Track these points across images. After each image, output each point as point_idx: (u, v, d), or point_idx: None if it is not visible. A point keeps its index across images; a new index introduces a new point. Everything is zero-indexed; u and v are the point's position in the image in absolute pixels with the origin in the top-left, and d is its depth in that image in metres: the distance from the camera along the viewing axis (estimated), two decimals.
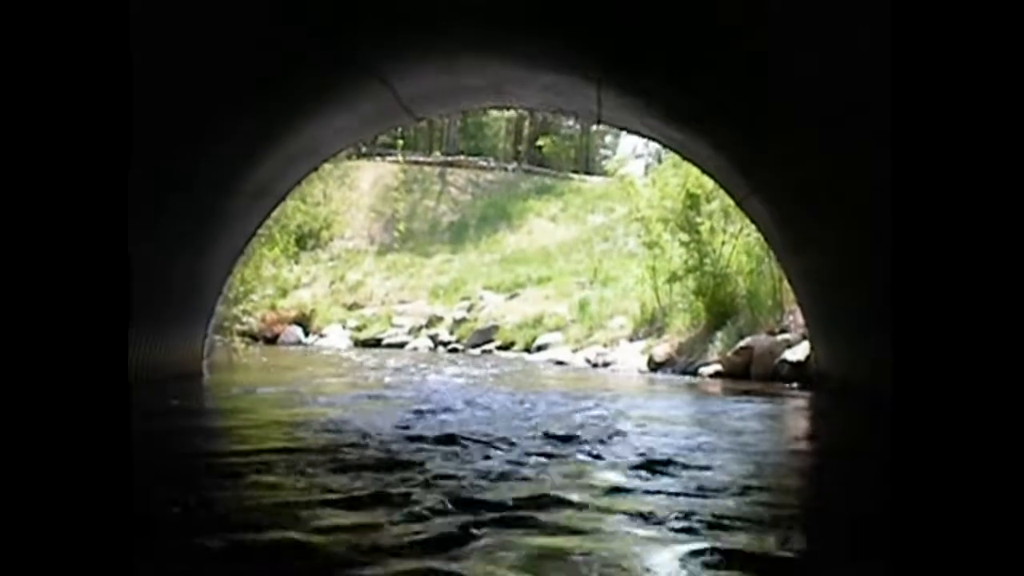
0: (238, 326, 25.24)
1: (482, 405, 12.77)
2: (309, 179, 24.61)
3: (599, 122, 17.21)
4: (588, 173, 49.34)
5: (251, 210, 16.52)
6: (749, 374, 18.14)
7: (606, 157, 57.35)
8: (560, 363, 23.67)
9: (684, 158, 17.11)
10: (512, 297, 32.61)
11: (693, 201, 21.17)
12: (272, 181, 16.02)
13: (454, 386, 16.32)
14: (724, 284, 21.03)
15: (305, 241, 40.32)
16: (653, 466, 6.96)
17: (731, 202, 20.73)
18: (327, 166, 43.72)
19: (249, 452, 7.49)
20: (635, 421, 11.13)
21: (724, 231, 21.38)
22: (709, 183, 20.62)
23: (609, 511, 5.25)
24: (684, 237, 21.61)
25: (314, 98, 13.52)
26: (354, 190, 43.93)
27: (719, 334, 19.98)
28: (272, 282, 37.14)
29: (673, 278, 22.48)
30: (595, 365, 22.72)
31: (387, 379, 17.70)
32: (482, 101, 17.64)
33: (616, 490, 5.95)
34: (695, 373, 19.40)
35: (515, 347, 28.37)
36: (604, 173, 51.64)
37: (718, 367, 19.08)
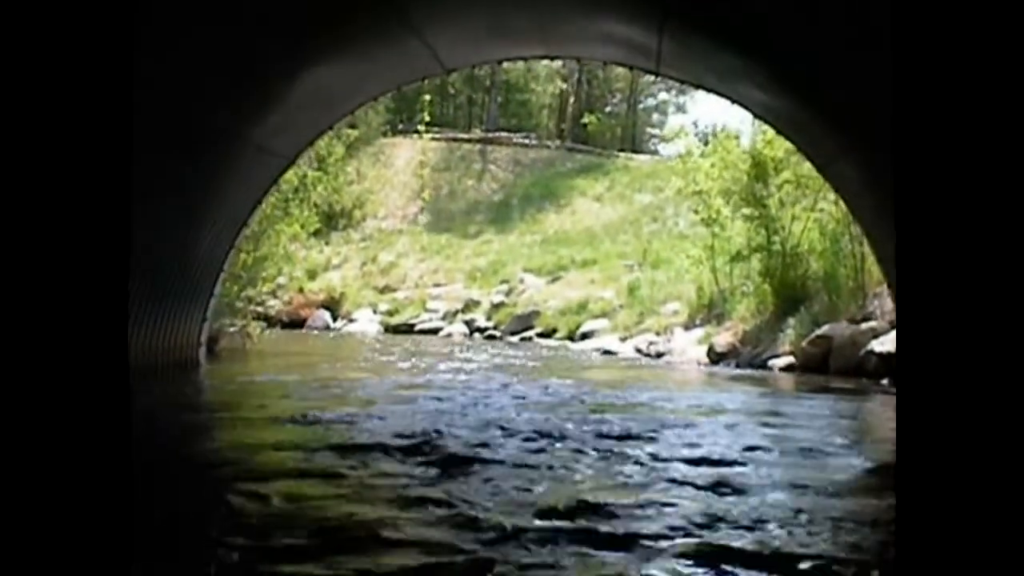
0: (255, 309, 23.26)
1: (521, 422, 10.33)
2: (336, 152, 22.45)
3: (657, 74, 14.87)
4: (635, 152, 46.83)
5: (254, 172, 14.34)
6: (827, 367, 15.72)
7: (653, 136, 55.10)
8: (608, 353, 21.30)
9: (756, 116, 14.67)
10: (554, 280, 30.26)
11: (760, 171, 18.71)
12: (276, 136, 13.83)
13: (486, 385, 14.02)
14: (794, 265, 18.58)
15: (336, 220, 38.33)
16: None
17: (804, 172, 18.38)
18: (357, 141, 42.08)
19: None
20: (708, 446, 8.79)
21: (794, 205, 18.91)
22: (780, 149, 18.20)
23: None
24: (749, 212, 19.15)
25: (318, 36, 11.26)
26: (389, 168, 41.75)
27: (791, 321, 17.53)
28: (296, 262, 35.27)
29: (736, 258, 20.04)
30: (647, 355, 20.33)
31: (414, 379, 15.33)
32: (525, 49, 15.27)
33: None
34: (763, 366, 16.98)
35: (557, 334, 26.02)
36: (652, 152, 49.85)
37: (790, 359, 16.65)
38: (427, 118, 34.23)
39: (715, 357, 18.29)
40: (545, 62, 49.76)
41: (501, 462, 6.82)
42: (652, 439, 8.23)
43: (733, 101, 14.02)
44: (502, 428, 8.83)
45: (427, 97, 37.69)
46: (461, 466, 6.59)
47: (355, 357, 20.50)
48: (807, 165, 18.41)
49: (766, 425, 9.85)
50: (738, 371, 17.09)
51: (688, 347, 19.36)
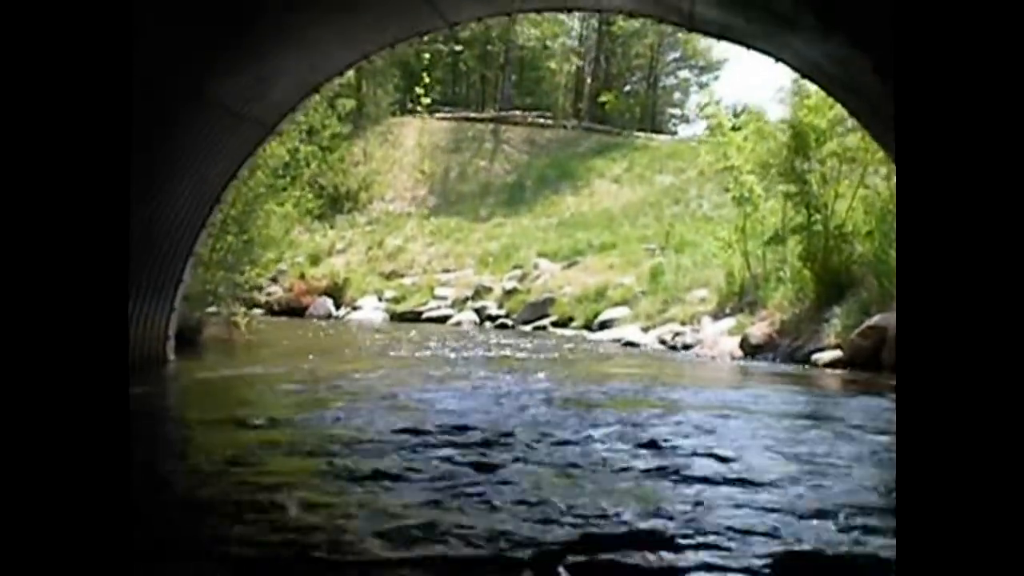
0: (249, 296, 21.59)
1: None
2: (331, 125, 20.69)
3: (691, 28, 12.98)
4: (655, 132, 44.88)
5: (226, 141, 12.55)
6: (880, 363, 13.86)
7: (674, 117, 53.13)
8: (629, 344, 19.45)
9: (804, 76, 12.78)
10: (571, 265, 28.38)
11: (801, 143, 16.81)
12: (252, 100, 12.08)
13: (495, 389, 12.24)
14: (838, 248, 16.69)
15: (341, 203, 36.58)
16: None
17: (850, 145, 16.52)
18: (365, 120, 40.43)
19: None
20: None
21: (839, 182, 17.01)
22: (824, 118, 16.33)
23: None
24: (788, 189, 17.26)
25: None
26: (397, 148, 39.89)
27: (837, 311, 15.65)
28: (296, 247, 33.58)
29: (774, 240, 18.16)
30: (673, 348, 18.50)
31: (406, 375, 13.57)
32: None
33: None
34: (806, 361, 15.14)
35: (574, 323, 24.17)
36: (672, 133, 47.93)
37: (836, 353, 14.80)
38: (424, 92, 32.32)
39: (750, 350, 16.44)
40: (561, 39, 47.97)
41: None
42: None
43: (777, 58, 12.15)
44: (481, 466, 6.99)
45: (426, 73, 35.90)
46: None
47: (351, 348, 18.79)
48: (853, 137, 16.64)
49: (840, 436, 8.06)
50: (777, 367, 15.25)
51: (719, 339, 17.50)
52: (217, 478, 5.83)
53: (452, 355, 16.47)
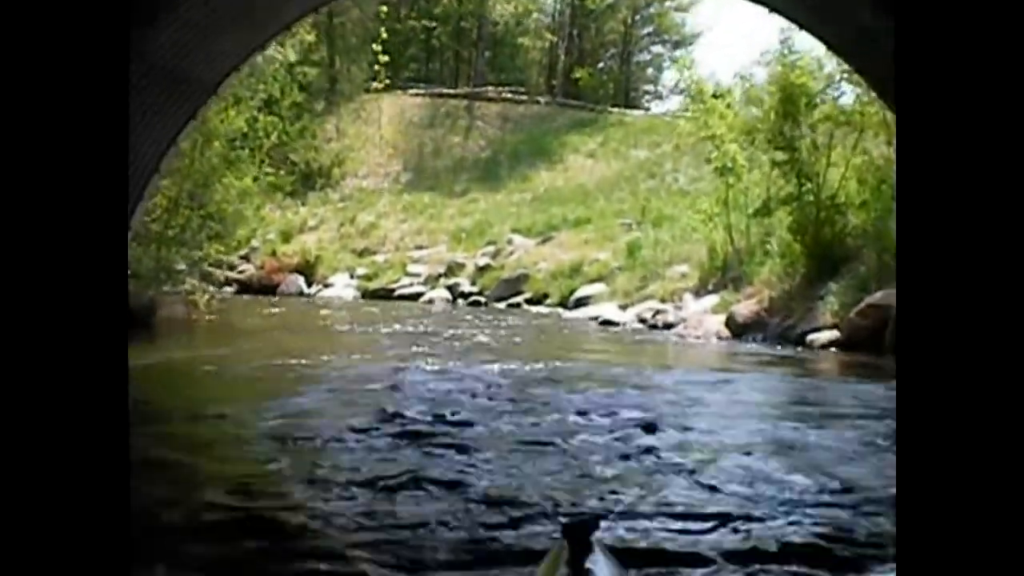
0: (218, 273, 19.81)
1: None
2: (291, 94, 18.54)
3: None
4: (629, 107, 42.85)
5: (160, 104, 10.59)
6: (882, 344, 12.12)
7: (647, 93, 51.14)
8: (607, 323, 17.63)
9: (802, 27, 10.93)
10: (545, 241, 26.43)
11: (790, 107, 14.97)
12: (188, 57, 10.15)
13: (446, 372, 10.46)
14: (831, 219, 14.90)
15: (314, 179, 34.59)
16: None
17: (845, 107, 14.73)
18: (339, 97, 38.33)
19: None
20: None
21: (831, 149, 15.21)
22: (817, 80, 14.52)
23: None
24: (777, 156, 15.45)
25: None
26: (370, 125, 37.74)
27: (832, 287, 13.88)
28: (268, 223, 31.59)
29: (761, 211, 16.34)
30: (654, 327, 16.69)
31: (364, 358, 11.80)
32: None
33: None
34: (799, 342, 13.41)
35: (549, 300, 22.25)
36: (646, 109, 45.87)
37: (834, 334, 13.08)
38: (382, 65, 30.20)
39: (737, 330, 14.68)
40: (535, 15, 45.91)
41: None
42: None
43: (771, 8, 10.31)
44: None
45: (383, 45, 33.88)
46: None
47: (317, 328, 17.04)
48: (846, 100, 14.90)
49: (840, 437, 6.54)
50: (767, 348, 13.50)
51: (703, 318, 15.68)
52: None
53: (419, 335, 14.69)
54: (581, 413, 7.81)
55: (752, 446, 6.66)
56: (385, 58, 29.50)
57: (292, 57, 19.74)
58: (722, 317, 15.22)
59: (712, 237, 18.54)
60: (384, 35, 41.76)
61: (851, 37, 9.94)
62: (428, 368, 10.64)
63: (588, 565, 2.32)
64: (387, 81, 31.35)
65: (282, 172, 34.57)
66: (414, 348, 12.78)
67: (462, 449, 6.31)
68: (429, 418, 7.45)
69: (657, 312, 17.08)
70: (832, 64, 15.10)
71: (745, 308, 14.92)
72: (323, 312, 20.80)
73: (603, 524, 3.30)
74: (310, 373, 10.25)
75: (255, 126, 16.35)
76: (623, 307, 18.76)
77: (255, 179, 16.56)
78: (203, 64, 10.78)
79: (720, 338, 14.58)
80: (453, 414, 7.61)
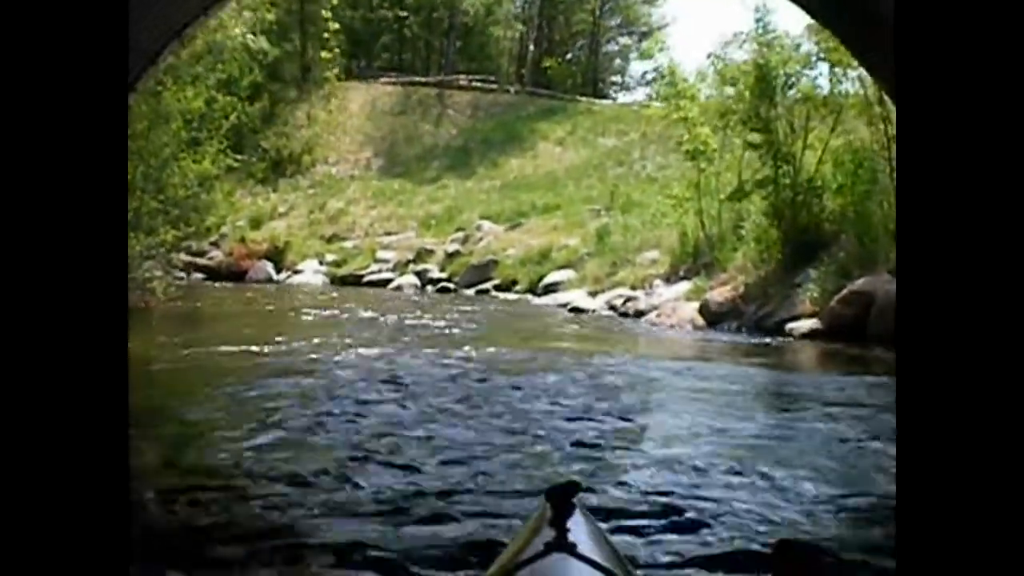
0: (181, 259, 18.59)
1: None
2: (251, 74, 17.23)
3: None
4: (597, 97, 41.72)
5: None
6: (865, 333, 11.07)
7: (615, 84, 50.03)
8: (577, 310, 16.52)
9: (814, 16, 9.80)
10: (514, 227, 25.30)
11: (765, 87, 13.89)
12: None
13: (404, 367, 9.28)
14: (808, 203, 13.85)
15: (284, 166, 33.34)
16: None
17: (822, 88, 13.68)
18: (310, 85, 37.05)
19: None
20: None
21: (808, 131, 14.15)
22: (793, 60, 13.46)
23: None
24: (753, 138, 14.36)
25: None
26: (342, 112, 36.41)
27: (812, 274, 12.82)
28: (238, 210, 30.31)
29: (736, 195, 15.25)
30: (624, 315, 15.60)
31: (330, 347, 10.62)
32: None
33: None
34: (779, 331, 12.35)
35: (517, 287, 21.14)
36: (613, 99, 44.68)
37: (814, 322, 12.02)
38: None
39: (711, 317, 13.61)
40: (506, 6, 44.70)
41: None
42: None
43: None
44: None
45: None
46: None
47: (280, 314, 15.90)
48: (822, 82, 13.85)
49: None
50: (744, 338, 12.45)
51: (677, 305, 14.58)
52: None
53: (381, 322, 13.58)
54: (533, 404, 6.80)
55: (711, 440, 5.74)
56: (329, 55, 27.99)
57: (263, 43, 18.35)
58: (696, 304, 14.15)
59: (683, 222, 17.48)
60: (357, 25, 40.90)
61: (863, 28, 8.86)
62: (372, 355, 9.50)
63: (569, 525, 2.26)
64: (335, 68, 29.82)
65: (253, 159, 33.42)
66: (369, 335, 11.69)
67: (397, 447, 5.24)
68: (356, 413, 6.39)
69: (628, 299, 15.99)
70: (809, 45, 14.07)
71: (719, 295, 13.86)
72: (288, 298, 19.63)
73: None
74: (250, 364, 9.11)
75: (213, 106, 15.08)
76: (592, 294, 17.67)
77: (213, 162, 15.25)
78: (142, 32, 9.62)
79: (696, 327, 13.50)
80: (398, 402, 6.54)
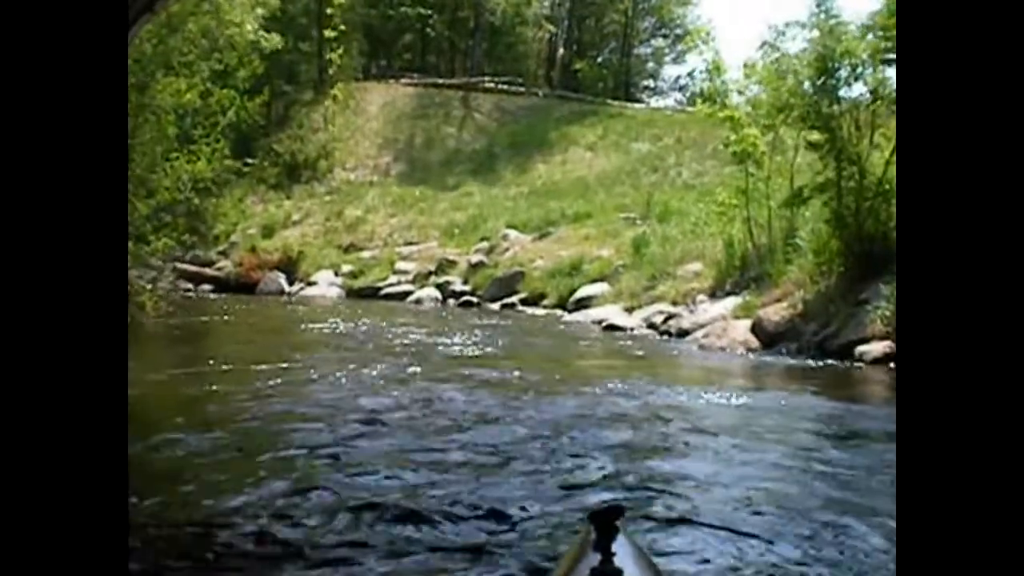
0: (187, 268, 17.42)
1: None
2: (252, 63, 15.91)
3: None
4: (629, 101, 40.38)
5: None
6: None
7: (647, 88, 48.66)
8: (612, 328, 15.17)
9: None
10: (542, 237, 23.93)
11: (829, 80, 12.53)
12: None
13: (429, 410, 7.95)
14: (876, 209, 12.46)
15: (299, 172, 32.17)
16: None
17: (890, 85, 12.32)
18: (328, 87, 35.92)
19: None
20: None
21: (875, 129, 12.77)
22: (861, 47, 12.11)
23: None
24: (813, 137, 13.00)
25: None
26: (360, 115, 35.24)
27: (883, 289, 11.43)
28: (248, 217, 29.20)
29: (793, 200, 13.89)
30: (666, 333, 14.26)
31: (331, 377, 9.32)
32: None
33: None
34: (846, 355, 10.99)
35: (546, 301, 19.76)
36: (644, 103, 43.15)
37: (887, 346, 10.63)
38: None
39: (766, 338, 12.24)
40: (534, 6, 43.44)
41: None
42: None
43: None
44: None
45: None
46: None
47: (285, 332, 14.73)
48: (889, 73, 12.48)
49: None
50: (805, 362, 11.09)
51: (727, 324, 13.19)
52: None
53: (395, 341, 12.35)
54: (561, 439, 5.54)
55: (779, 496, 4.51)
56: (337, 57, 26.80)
57: (276, 40, 17.12)
58: (747, 323, 12.79)
59: (728, 232, 16.11)
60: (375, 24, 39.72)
61: None
62: (385, 394, 8.22)
63: (615, 549, 2.27)
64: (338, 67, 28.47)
65: (265, 163, 32.27)
66: (382, 361, 10.41)
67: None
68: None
69: (669, 316, 14.65)
70: (876, 33, 12.72)
71: (774, 313, 12.51)
72: (301, 313, 18.44)
73: None
74: (245, 396, 7.89)
75: (208, 100, 13.84)
76: (629, 309, 16.33)
77: (210, 162, 13.99)
78: None
79: (749, 349, 12.13)
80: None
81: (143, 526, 4.26)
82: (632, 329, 14.89)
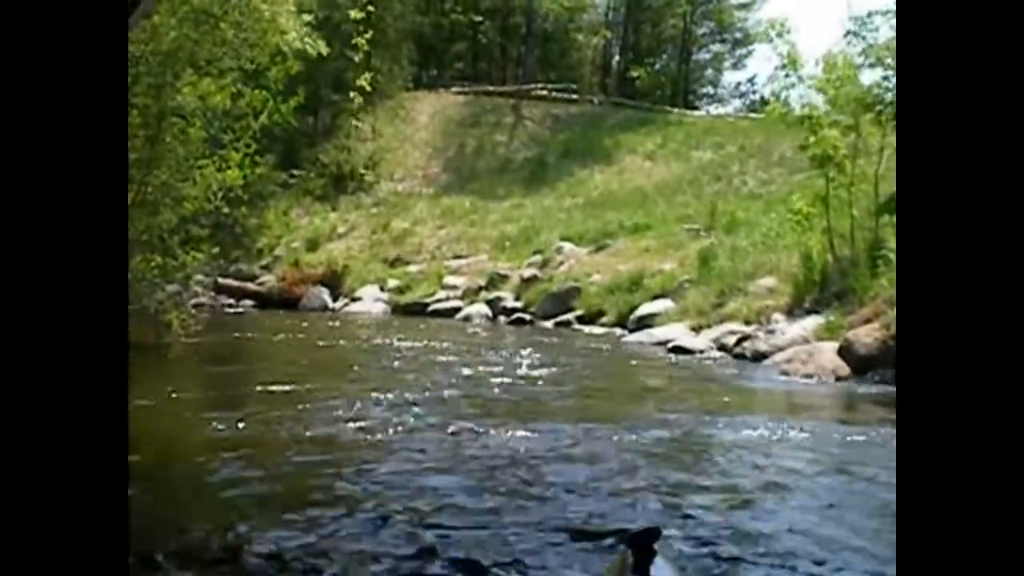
0: (220, 281, 16.42)
1: None
2: (287, 64, 14.77)
3: None
4: (688, 108, 39.04)
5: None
6: None
7: (706, 96, 47.26)
8: (679, 350, 13.86)
9: None
10: (599, 250, 22.64)
11: None
12: None
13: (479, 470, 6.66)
14: None
15: (345, 183, 31.17)
16: None
17: None
18: (374, 96, 35.04)
19: None
20: None
21: None
22: None
23: None
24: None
25: None
26: (409, 124, 34.24)
27: None
28: (292, 230, 28.28)
29: (886, 208, 12.56)
30: (741, 356, 12.94)
31: (361, 424, 8.07)
32: None
33: None
34: None
35: (605, 318, 18.43)
36: (695, 107, 41.64)
37: None
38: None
39: (857, 364, 10.87)
40: (589, 12, 42.29)
41: None
42: None
43: None
44: None
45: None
46: None
47: (321, 356, 13.64)
48: None
49: None
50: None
51: (814, 348, 11.82)
52: None
53: (444, 365, 11.17)
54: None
55: None
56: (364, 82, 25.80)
57: (321, 47, 15.95)
58: (833, 345, 11.44)
59: (805, 243, 14.77)
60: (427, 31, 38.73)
61: None
62: (424, 443, 7.01)
63: (653, 572, 2.25)
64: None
65: (311, 174, 31.36)
66: (429, 383, 9.27)
67: None
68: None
69: (743, 337, 13.30)
70: None
71: (866, 335, 11.12)
72: (342, 332, 17.34)
73: None
74: (245, 438, 6.72)
75: (239, 102, 12.74)
76: (696, 329, 15.02)
77: (240, 165, 12.87)
78: None
79: (838, 377, 10.77)
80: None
81: None
82: (702, 351, 13.56)
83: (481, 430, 7.07)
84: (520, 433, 6.99)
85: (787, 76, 14.40)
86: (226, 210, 12.92)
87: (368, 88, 26.54)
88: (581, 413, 8.21)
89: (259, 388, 9.24)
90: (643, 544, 2.36)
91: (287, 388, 9.18)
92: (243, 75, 12.98)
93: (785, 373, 11.08)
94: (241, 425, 7.13)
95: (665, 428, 7.39)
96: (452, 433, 6.93)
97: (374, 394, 8.76)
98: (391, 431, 7.07)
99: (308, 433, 6.91)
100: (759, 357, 12.43)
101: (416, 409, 8.00)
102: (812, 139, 13.92)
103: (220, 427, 7.04)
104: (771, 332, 13.08)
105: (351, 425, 7.24)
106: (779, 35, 14.59)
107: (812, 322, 12.91)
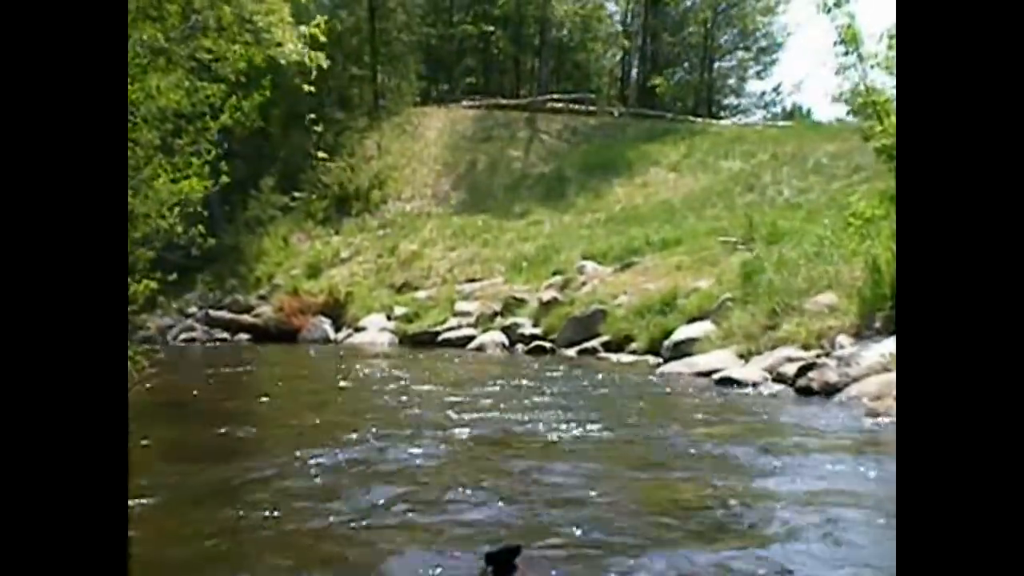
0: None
1: None
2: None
3: None
4: (712, 117, 36.91)
5: None
6: None
7: (729, 105, 45.12)
8: (728, 382, 11.59)
9: None
10: (625, 268, 20.39)
11: None
12: None
13: None
14: None
15: (350, 204, 29.13)
16: None
17: None
18: (384, 112, 33.16)
19: None
20: None
21: None
22: None
23: None
24: None
25: None
26: (418, 140, 32.21)
27: None
28: (292, 255, 26.22)
29: None
30: (804, 391, 10.63)
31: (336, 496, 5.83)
32: None
33: None
34: None
35: (634, 345, 16.14)
36: (719, 117, 39.42)
37: None
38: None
39: None
40: (605, 20, 40.28)
41: None
42: None
43: None
44: None
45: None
46: None
47: (306, 400, 11.56)
48: None
49: None
50: None
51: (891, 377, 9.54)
52: None
53: (456, 408, 9.02)
54: None
55: None
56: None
57: (321, 59, 13.86)
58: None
59: (872, 254, 12.52)
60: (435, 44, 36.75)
61: None
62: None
63: None
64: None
65: (313, 196, 29.34)
66: (441, 431, 7.10)
67: None
68: None
69: (806, 366, 10.96)
70: None
71: None
72: (339, 367, 15.25)
73: None
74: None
75: (193, 99, 10.62)
76: (745, 356, 12.77)
77: (197, 173, 10.71)
78: None
79: None
80: None
81: None
82: (755, 384, 11.26)
83: (522, 479, 4.90)
84: (565, 479, 4.81)
85: (846, 54, 12.21)
86: (175, 225, 10.78)
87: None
88: (622, 459, 6.03)
89: (200, 440, 7.12)
90: (501, 561, 2.42)
91: (231, 440, 7.04)
92: (199, 66, 10.86)
93: (875, 414, 8.76)
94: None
95: (749, 520, 5.19)
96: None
97: (354, 472, 6.60)
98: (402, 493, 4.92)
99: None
100: (830, 391, 10.16)
101: (431, 460, 5.84)
102: (879, 128, 11.70)
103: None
104: (840, 359, 10.78)
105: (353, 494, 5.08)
106: (837, 4, 12.35)
107: (890, 346, 10.63)
